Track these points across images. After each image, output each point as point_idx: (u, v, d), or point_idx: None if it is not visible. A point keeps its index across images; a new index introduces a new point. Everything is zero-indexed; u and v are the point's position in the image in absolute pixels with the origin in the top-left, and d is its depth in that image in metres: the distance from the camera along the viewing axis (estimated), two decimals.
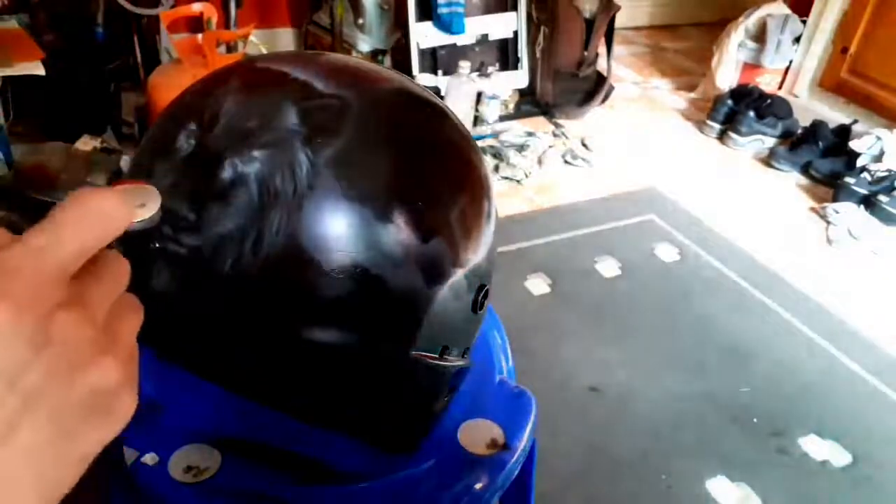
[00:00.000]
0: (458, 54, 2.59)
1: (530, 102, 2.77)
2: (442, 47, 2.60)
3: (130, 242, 0.31)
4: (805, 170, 2.55)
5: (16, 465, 0.25)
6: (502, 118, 2.62)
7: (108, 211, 0.28)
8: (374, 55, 2.66)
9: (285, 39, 2.94)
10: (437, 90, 2.48)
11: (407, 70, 2.51)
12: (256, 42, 2.28)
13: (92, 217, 0.28)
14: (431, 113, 0.50)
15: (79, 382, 0.26)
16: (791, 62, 2.94)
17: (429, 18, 2.55)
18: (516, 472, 0.55)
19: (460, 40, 2.61)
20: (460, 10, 2.53)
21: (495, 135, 2.50)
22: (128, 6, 2.09)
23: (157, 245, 0.42)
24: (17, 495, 0.25)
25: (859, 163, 2.42)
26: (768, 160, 2.61)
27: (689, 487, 1.39)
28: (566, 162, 2.46)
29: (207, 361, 0.48)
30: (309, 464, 0.52)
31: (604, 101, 2.80)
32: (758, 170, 2.60)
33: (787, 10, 2.85)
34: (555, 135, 2.62)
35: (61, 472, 0.27)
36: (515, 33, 2.70)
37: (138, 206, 0.32)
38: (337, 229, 0.41)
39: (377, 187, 0.43)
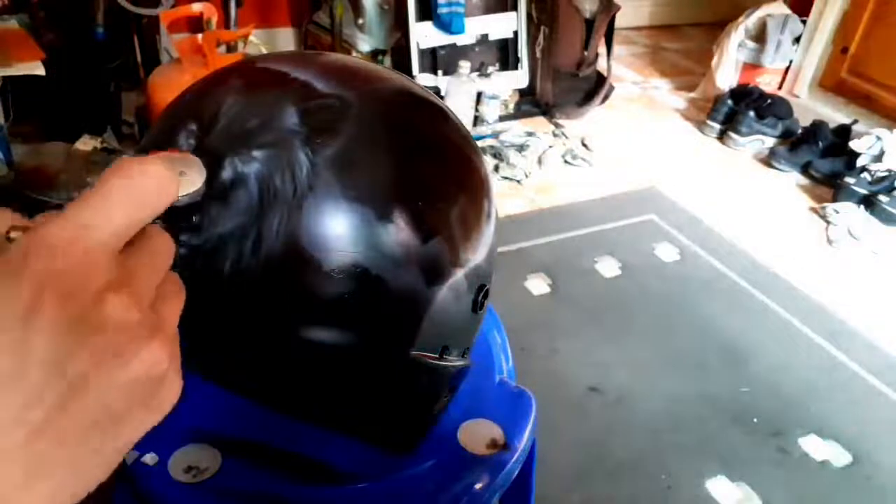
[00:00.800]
0: (458, 54, 2.59)
1: (530, 102, 2.77)
2: (442, 47, 2.60)
3: (174, 219, 0.29)
4: (805, 170, 2.55)
5: (56, 451, 0.24)
6: (502, 118, 2.62)
7: (156, 181, 0.26)
8: (374, 55, 2.66)
9: (285, 39, 2.94)
10: (437, 90, 2.47)
11: (407, 70, 2.51)
12: (256, 42, 2.28)
13: (138, 188, 0.26)
14: (431, 113, 0.50)
15: (127, 369, 0.25)
16: (791, 62, 2.94)
17: (429, 18, 2.54)
18: (516, 472, 0.55)
19: (460, 40, 2.61)
20: (460, 10, 2.53)
21: (495, 135, 2.50)
22: (128, 6, 2.09)
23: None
24: (54, 481, 0.24)
25: (859, 163, 2.42)
26: (768, 160, 2.61)
27: (689, 487, 1.39)
28: (566, 162, 2.46)
29: (207, 361, 0.48)
30: (309, 464, 0.52)
31: (604, 101, 2.80)
32: (758, 170, 2.60)
33: (787, 10, 2.85)
34: (555, 135, 2.62)
35: (102, 459, 0.25)
36: (515, 33, 2.70)
37: (180, 175, 0.29)
38: (337, 229, 0.41)
39: (377, 187, 0.43)
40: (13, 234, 0.24)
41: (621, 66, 3.24)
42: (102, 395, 0.24)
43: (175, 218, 0.29)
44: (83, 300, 0.23)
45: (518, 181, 2.32)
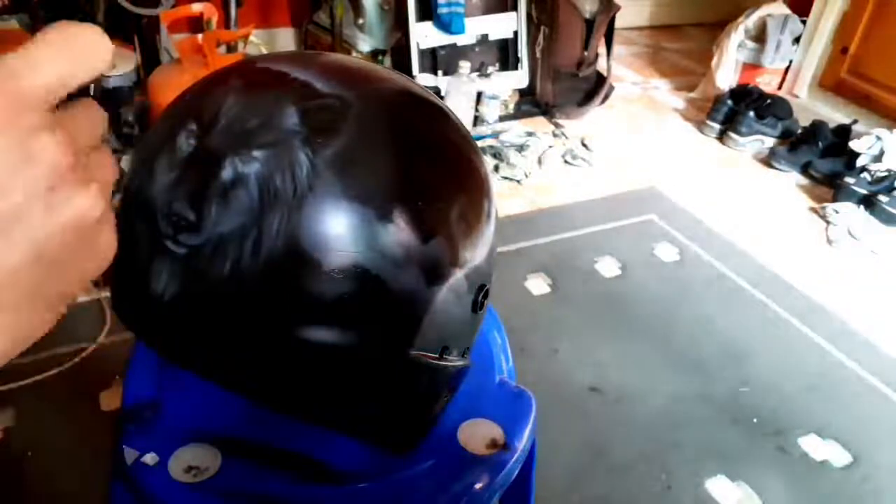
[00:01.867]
0: (458, 54, 2.59)
1: (530, 102, 2.77)
2: (442, 47, 2.60)
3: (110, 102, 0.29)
4: (805, 170, 2.55)
5: None
6: (502, 118, 2.62)
7: (89, 42, 0.26)
8: (374, 55, 2.66)
9: (285, 39, 2.94)
10: (437, 90, 2.47)
11: (407, 70, 2.51)
12: (256, 42, 2.28)
13: (71, 45, 0.26)
14: (431, 113, 0.50)
15: (62, 206, 0.24)
16: (791, 62, 2.94)
17: (429, 18, 2.54)
18: (516, 472, 0.55)
19: (460, 40, 2.61)
20: (460, 10, 2.53)
21: (495, 135, 2.50)
22: (128, 6, 2.09)
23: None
24: None
25: (859, 163, 2.42)
26: (768, 160, 2.61)
27: (688, 487, 1.39)
28: (566, 162, 2.46)
29: (208, 362, 0.48)
30: (309, 464, 0.52)
31: (604, 101, 2.80)
32: (758, 170, 2.60)
33: (787, 10, 2.85)
34: (555, 135, 2.62)
35: (46, 303, 0.25)
36: (515, 33, 2.70)
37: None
38: (337, 229, 0.41)
39: (377, 187, 0.43)
40: None
41: (621, 66, 3.24)
42: (38, 231, 0.24)
43: (110, 102, 0.30)
44: (14, 133, 0.23)
45: (518, 181, 2.32)
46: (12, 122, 0.23)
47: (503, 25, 2.68)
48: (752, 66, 2.89)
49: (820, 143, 2.55)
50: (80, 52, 0.26)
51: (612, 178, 2.41)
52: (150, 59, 2.37)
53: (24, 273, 0.24)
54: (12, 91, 0.24)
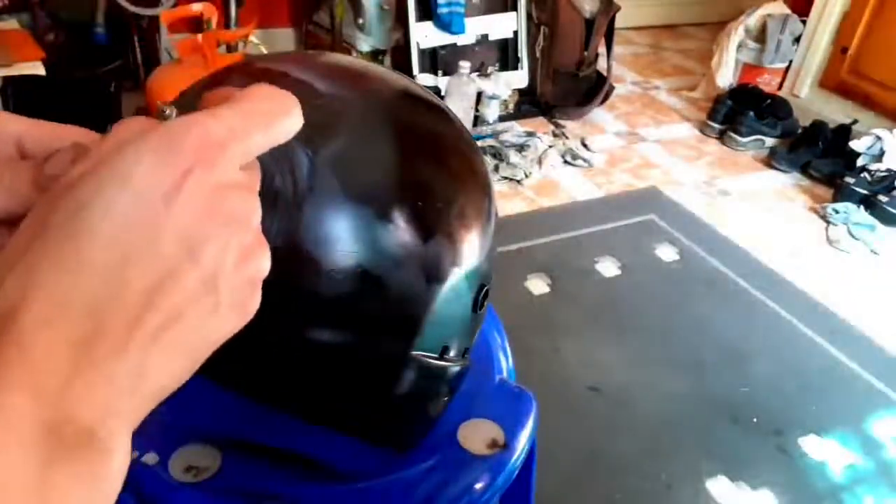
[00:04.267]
0: (458, 54, 2.59)
1: (530, 102, 2.77)
2: (442, 47, 2.60)
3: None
4: (805, 170, 2.55)
5: (165, 334, 0.24)
6: (502, 118, 2.61)
7: (293, 122, 0.28)
8: (374, 55, 2.65)
9: (285, 39, 2.94)
10: (437, 90, 2.47)
11: (407, 70, 2.51)
12: (256, 42, 2.28)
13: (281, 123, 0.27)
14: (431, 113, 0.50)
15: (247, 266, 0.26)
16: (791, 62, 2.94)
17: (429, 18, 2.54)
18: (516, 472, 0.55)
19: (460, 40, 2.61)
20: (460, 10, 2.53)
21: (495, 135, 2.50)
22: (128, 6, 2.10)
23: None
24: (159, 366, 0.24)
25: (859, 163, 2.42)
26: (768, 160, 2.61)
27: (689, 487, 1.39)
28: (566, 162, 2.46)
29: (207, 361, 0.48)
30: (309, 464, 0.52)
31: (604, 101, 2.80)
32: (758, 170, 2.60)
33: (787, 10, 2.85)
34: (555, 135, 2.61)
35: (198, 350, 0.26)
36: (515, 33, 2.70)
37: None
38: (337, 229, 0.41)
39: (377, 187, 0.43)
40: (168, 111, 0.26)
41: (621, 66, 3.24)
42: (223, 284, 0.25)
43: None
44: (222, 191, 0.25)
45: (518, 181, 2.32)
46: (220, 179, 0.25)
47: (503, 25, 2.68)
48: (753, 66, 2.89)
49: (820, 143, 2.55)
50: (284, 129, 0.28)
51: (612, 178, 2.41)
52: (150, 59, 2.38)
53: (197, 319, 0.25)
54: (229, 147, 0.25)
